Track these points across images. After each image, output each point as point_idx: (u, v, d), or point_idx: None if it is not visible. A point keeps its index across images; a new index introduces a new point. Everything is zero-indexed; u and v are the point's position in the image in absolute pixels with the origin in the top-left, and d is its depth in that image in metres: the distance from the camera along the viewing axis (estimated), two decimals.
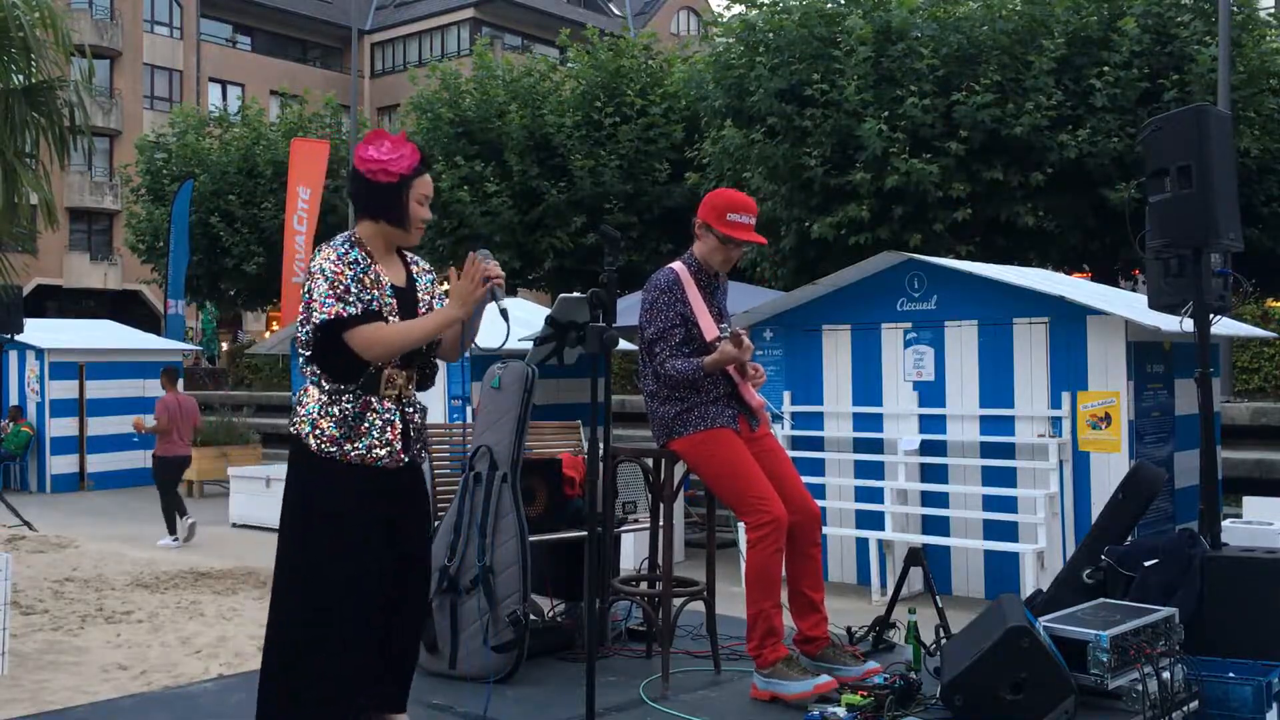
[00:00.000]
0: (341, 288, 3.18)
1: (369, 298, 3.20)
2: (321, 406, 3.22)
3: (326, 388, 3.24)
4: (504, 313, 3.31)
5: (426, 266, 3.52)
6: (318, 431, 3.21)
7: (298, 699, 3.16)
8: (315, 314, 3.17)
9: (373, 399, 3.25)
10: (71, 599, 8.28)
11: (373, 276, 3.25)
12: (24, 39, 8.04)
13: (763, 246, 15.30)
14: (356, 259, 3.24)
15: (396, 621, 3.31)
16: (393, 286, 3.30)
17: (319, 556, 3.17)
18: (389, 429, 3.25)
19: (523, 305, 13.13)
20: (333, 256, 3.23)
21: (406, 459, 3.30)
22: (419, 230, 3.39)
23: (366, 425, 3.22)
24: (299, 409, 3.27)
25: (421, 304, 3.38)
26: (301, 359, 3.28)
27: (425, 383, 3.46)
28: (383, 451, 3.23)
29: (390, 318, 3.24)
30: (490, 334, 3.60)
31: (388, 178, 3.29)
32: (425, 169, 3.38)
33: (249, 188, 23.88)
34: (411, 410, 3.36)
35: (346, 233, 3.37)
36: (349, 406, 3.22)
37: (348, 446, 3.20)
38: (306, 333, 3.22)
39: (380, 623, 3.25)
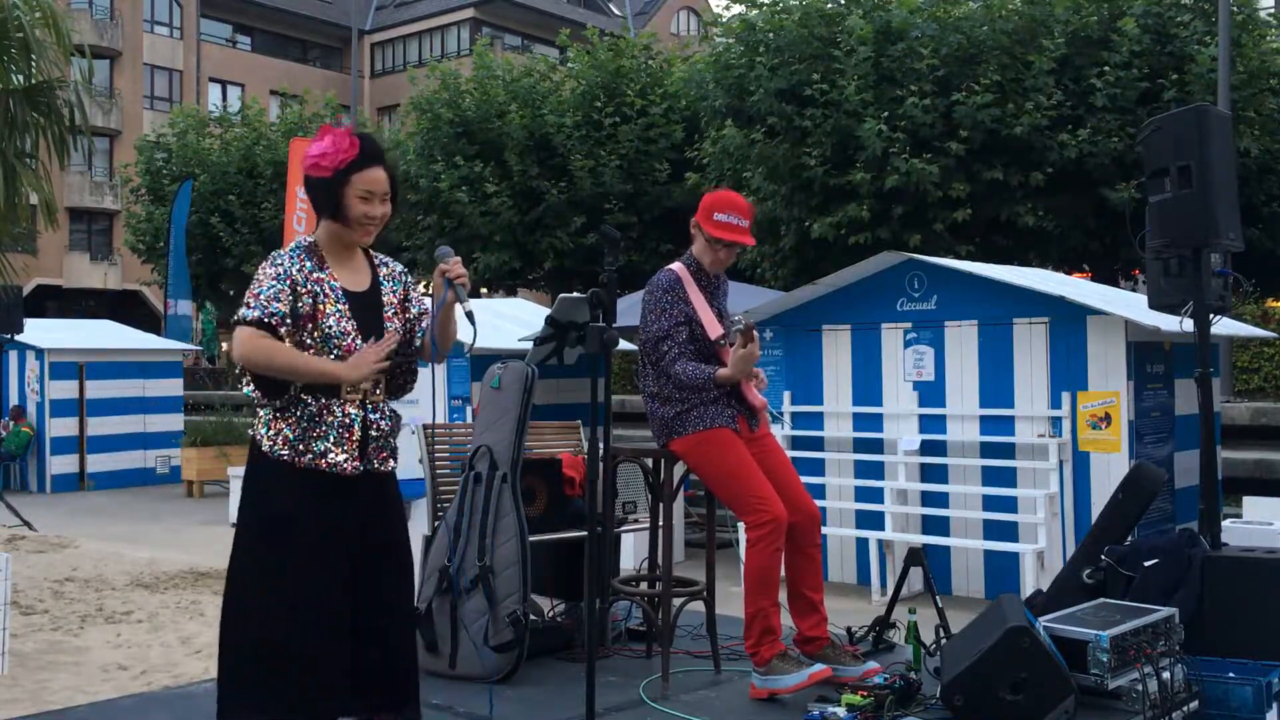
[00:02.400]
0: (253, 293, 3.08)
1: (274, 309, 3.04)
2: (279, 410, 3.11)
3: (257, 398, 3.13)
4: (469, 315, 3.21)
5: (398, 269, 3.36)
6: (272, 433, 3.11)
7: (259, 703, 3.06)
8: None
9: (333, 402, 3.12)
10: (71, 599, 8.27)
11: (313, 283, 3.12)
12: (24, 39, 8.04)
13: (763, 247, 15.31)
14: (285, 268, 3.10)
15: (374, 624, 3.16)
16: (345, 291, 3.17)
17: (274, 560, 3.08)
18: (346, 434, 3.12)
19: (523, 305, 13.13)
20: (268, 261, 3.14)
21: (363, 466, 3.15)
22: (366, 228, 3.17)
23: (323, 429, 3.11)
24: (259, 411, 3.16)
25: (386, 307, 3.24)
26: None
27: (398, 390, 3.32)
28: (340, 456, 3.11)
29: (343, 323, 3.11)
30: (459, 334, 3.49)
31: (321, 173, 3.14)
32: (370, 162, 3.14)
33: (249, 188, 23.88)
34: (376, 417, 3.20)
35: (305, 235, 3.28)
36: (307, 409, 3.10)
37: (301, 448, 3.09)
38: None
39: (344, 626, 3.10)
